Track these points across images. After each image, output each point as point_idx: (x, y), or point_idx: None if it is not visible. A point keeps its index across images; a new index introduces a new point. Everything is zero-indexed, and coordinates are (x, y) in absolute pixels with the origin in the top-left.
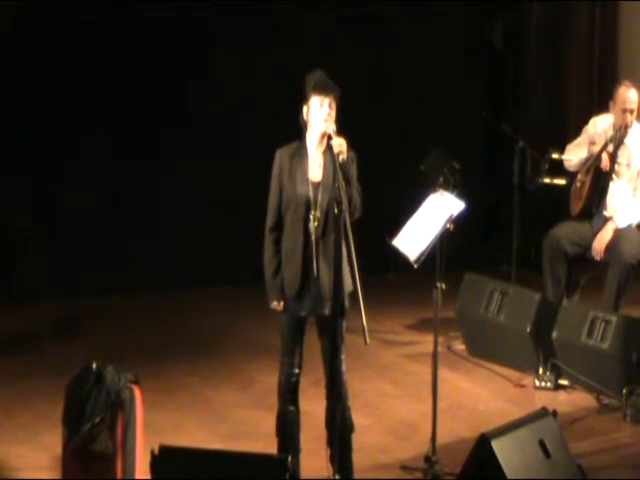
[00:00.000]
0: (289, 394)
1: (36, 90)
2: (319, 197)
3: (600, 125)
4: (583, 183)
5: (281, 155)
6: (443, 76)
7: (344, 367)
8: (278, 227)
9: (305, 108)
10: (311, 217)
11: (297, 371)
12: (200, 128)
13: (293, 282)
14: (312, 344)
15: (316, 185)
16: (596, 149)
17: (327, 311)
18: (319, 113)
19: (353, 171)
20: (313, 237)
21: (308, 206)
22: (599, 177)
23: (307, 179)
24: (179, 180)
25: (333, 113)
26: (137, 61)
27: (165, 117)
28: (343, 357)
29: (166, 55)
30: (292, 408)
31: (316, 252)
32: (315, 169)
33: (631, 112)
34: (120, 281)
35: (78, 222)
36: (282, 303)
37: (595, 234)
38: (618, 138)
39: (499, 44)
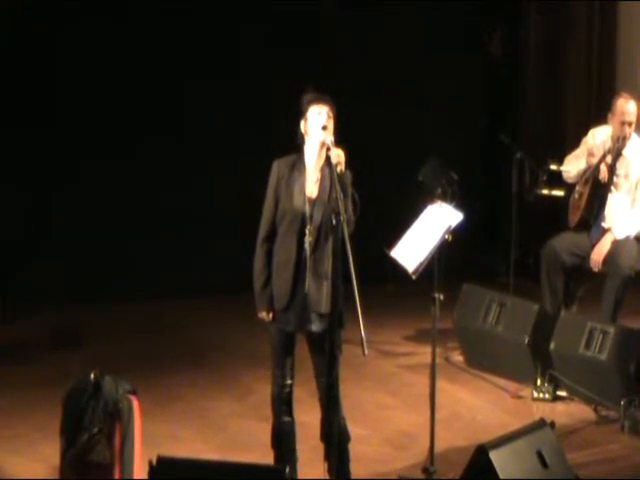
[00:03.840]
0: (283, 405)
1: (32, 95)
2: (314, 213)
3: (599, 137)
4: (581, 194)
5: (279, 166)
6: (441, 85)
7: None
8: (271, 238)
9: (303, 122)
10: (307, 232)
11: (289, 382)
12: (199, 135)
13: (282, 295)
14: (307, 355)
15: (312, 201)
16: (594, 160)
17: (314, 327)
18: (317, 120)
19: (349, 190)
20: (308, 253)
21: (303, 221)
22: (597, 188)
23: (304, 194)
24: (177, 190)
25: (331, 123)
26: (135, 64)
27: (164, 123)
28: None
29: (165, 57)
30: (287, 419)
31: (308, 269)
32: (312, 185)
33: (629, 124)
34: (117, 291)
35: (75, 232)
36: (271, 314)
37: (593, 245)
38: (616, 150)
39: (497, 53)
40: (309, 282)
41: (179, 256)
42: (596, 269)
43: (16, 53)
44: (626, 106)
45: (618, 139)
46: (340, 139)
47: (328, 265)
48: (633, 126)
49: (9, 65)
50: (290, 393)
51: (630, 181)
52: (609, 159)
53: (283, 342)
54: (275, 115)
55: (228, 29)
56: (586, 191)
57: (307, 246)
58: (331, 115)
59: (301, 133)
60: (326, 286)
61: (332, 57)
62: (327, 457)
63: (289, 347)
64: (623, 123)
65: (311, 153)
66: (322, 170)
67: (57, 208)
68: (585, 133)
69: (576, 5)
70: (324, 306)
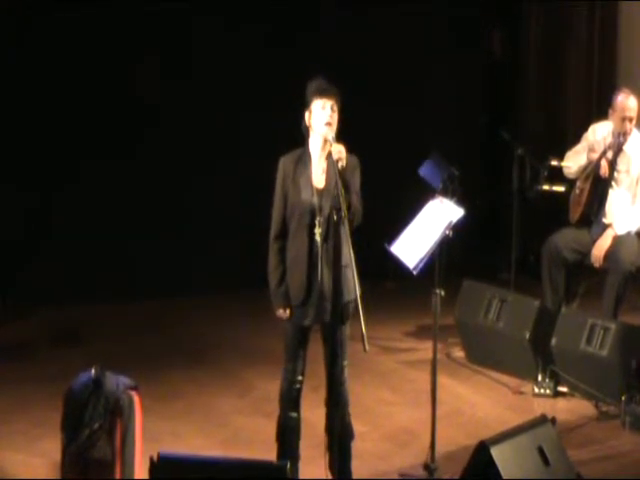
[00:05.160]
0: (291, 401)
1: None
2: (323, 203)
3: (599, 132)
4: (582, 190)
5: (284, 162)
6: (442, 83)
7: (346, 374)
8: (283, 235)
9: (307, 113)
10: (316, 223)
11: (300, 378)
12: (199, 135)
13: (298, 290)
14: (312, 350)
15: (320, 192)
16: (595, 156)
17: (330, 317)
18: (321, 116)
19: (356, 178)
20: (319, 244)
21: (313, 213)
22: (598, 184)
23: (311, 186)
24: (178, 188)
25: (335, 116)
26: (135, 64)
27: (164, 123)
28: (345, 364)
29: (164, 57)
30: (293, 415)
31: (320, 259)
32: (318, 175)
33: (630, 120)
34: (118, 288)
35: (76, 229)
36: (288, 311)
37: (594, 241)
38: (617, 145)
39: (498, 52)
40: (323, 272)
41: (179, 256)
42: (597, 265)
43: (15, 52)
44: (627, 102)
45: (619, 135)
46: (341, 138)
47: (337, 256)
48: (634, 122)
49: (9, 65)
50: (299, 390)
51: (631, 177)
52: (610, 155)
53: (298, 336)
54: (275, 115)
55: (228, 29)
56: (587, 187)
57: (318, 237)
58: (335, 109)
59: (305, 125)
60: (342, 274)
61: (332, 57)
62: (328, 449)
63: (303, 341)
64: (624, 119)
65: (315, 145)
66: (328, 160)
67: (57, 208)
68: (586, 129)
69: (576, 4)
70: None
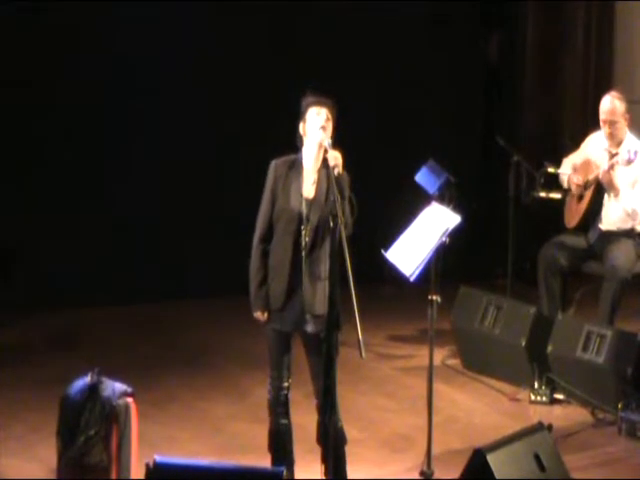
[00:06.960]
0: (280, 407)
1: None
2: (311, 214)
3: (596, 141)
4: (582, 197)
5: (277, 166)
6: (439, 89)
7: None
8: (267, 239)
9: (302, 124)
10: (302, 233)
11: (286, 384)
12: (199, 136)
13: (278, 296)
14: (304, 357)
15: (309, 202)
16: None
17: (309, 329)
18: (315, 121)
19: (346, 192)
20: (304, 254)
21: (300, 222)
22: (598, 192)
23: (301, 194)
24: (176, 191)
25: (330, 125)
26: (137, 65)
27: (163, 124)
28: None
29: (163, 58)
30: (284, 421)
31: (302, 269)
32: (309, 186)
33: (605, 123)
34: (115, 293)
35: (74, 234)
36: (266, 314)
37: (590, 247)
38: (627, 161)
39: (495, 55)
40: (304, 283)
41: (177, 257)
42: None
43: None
44: (603, 104)
45: (629, 151)
46: (338, 140)
47: (325, 266)
48: (618, 125)
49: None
50: (287, 395)
51: (628, 183)
52: (621, 164)
53: (279, 342)
54: (275, 115)
55: (228, 28)
56: (589, 195)
57: (303, 248)
58: (330, 117)
59: (299, 135)
60: (321, 287)
61: (331, 57)
62: (324, 459)
63: (285, 347)
64: (603, 122)
65: (309, 154)
66: (319, 172)
67: (56, 212)
68: (582, 134)
69: (574, 6)
70: (318, 307)
